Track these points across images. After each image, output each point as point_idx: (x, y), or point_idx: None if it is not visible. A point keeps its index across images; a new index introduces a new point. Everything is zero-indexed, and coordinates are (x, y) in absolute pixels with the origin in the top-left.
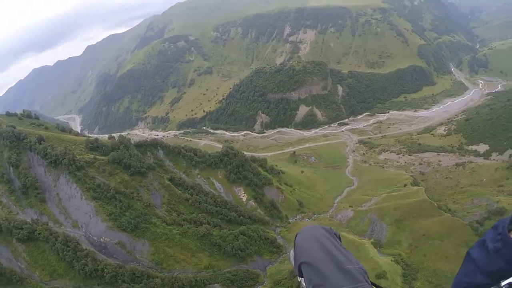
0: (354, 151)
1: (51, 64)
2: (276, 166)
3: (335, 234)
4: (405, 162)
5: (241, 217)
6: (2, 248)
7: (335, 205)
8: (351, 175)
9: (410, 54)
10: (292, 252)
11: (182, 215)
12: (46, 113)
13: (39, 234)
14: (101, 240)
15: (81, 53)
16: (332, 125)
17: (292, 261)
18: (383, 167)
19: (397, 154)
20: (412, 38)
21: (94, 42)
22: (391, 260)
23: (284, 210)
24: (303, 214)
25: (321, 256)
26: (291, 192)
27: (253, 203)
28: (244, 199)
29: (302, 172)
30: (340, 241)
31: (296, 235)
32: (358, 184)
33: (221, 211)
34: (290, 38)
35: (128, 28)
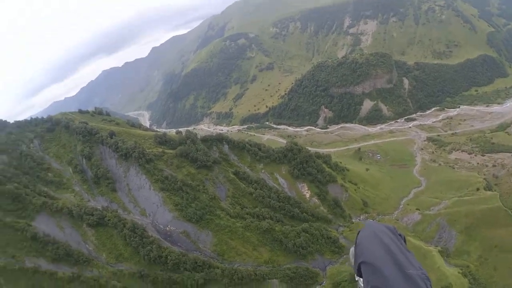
0: (422, 149)
1: (120, 65)
2: (341, 163)
3: (399, 235)
4: (478, 163)
5: (304, 213)
6: (73, 231)
7: (401, 206)
8: (419, 175)
9: (479, 42)
10: (352, 249)
11: (246, 208)
12: (117, 110)
13: (108, 220)
14: (167, 228)
15: (146, 54)
16: (398, 120)
17: (352, 260)
18: (454, 168)
19: (469, 154)
20: (479, 25)
21: (158, 44)
22: (458, 272)
23: (348, 209)
24: (367, 214)
25: (383, 257)
26: (355, 190)
27: (316, 200)
28: (308, 195)
29: (367, 170)
30: (405, 242)
31: (358, 232)
32: (426, 185)
33: (284, 207)
34: (351, 30)
35: (189, 29)
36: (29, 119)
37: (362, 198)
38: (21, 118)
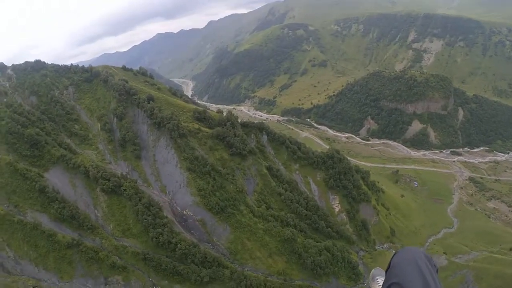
0: (462, 188)
1: (175, 31)
2: (378, 182)
3: (434, 265)
4: None
5: (328, 228)
6: (85, 192)
7: (427, 244)
8: (452, 215)
9: None
10: (374, 271)
11: (271, 209)
12: (163, 73)
13: (124, 190)
14: (184, 212)
15: (203, 26)
16: (444, 151)
17: (371, 282)
18: (490, 217)
19: (509, 206)
20: None
21: (216, 19)
22: None
23: (374, 233)
24: (391, 244)
25: (416, 282)
26: (386, 216)
27: (345, 217)
28: (337, 209)
29: (402, 196)
30: (437, 274)
31: (394, 254)
32: (458, 228)
33: (311, 216)
34: (414, 45)
35: (249, 10)
36: (70, 64)
37: (391, 225)
38: (70, 62)
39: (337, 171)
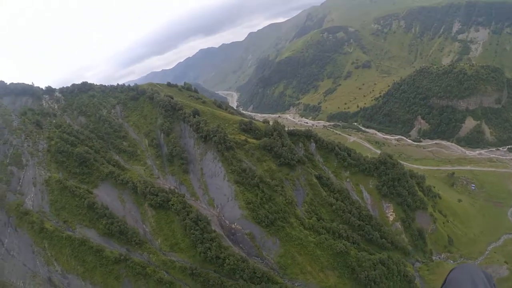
0: None
1: (216, 46)
2: (434, 187)
3: (494, 284)
4: None
5: (383, 239)
6: (133, 208)
7: (486, 252)
8: None
9: None
10: None
11: (322, 221)
12: (208, 87)
13: (172, 204)
14: (233, 226)
15: (243, 38)
16: (501, 148)
17: None
18: None
19: None
20: None
21: (255, 30)
22: None
23: (431, 243)
24: (449, 254)
25: None
26: (443, 223)
27: (399, 226)
28: (391, 218)
29: (459, 201)
30: None
31: (450, 271)
32: None
33: (364, 227)
34: (459, 36)
35: (287, 18)
36: (116, 84)
37: (449, 234)
38: (121, 82)
39: (390, 178)
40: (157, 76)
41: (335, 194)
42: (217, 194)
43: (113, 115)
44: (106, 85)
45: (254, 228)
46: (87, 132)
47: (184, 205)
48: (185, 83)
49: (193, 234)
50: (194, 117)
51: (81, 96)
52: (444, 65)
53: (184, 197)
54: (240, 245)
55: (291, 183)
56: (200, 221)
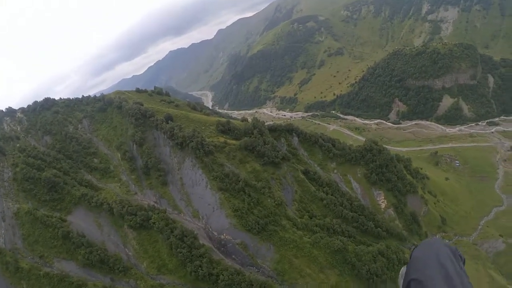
0: (505, 160)
1: (186, 46)
2: (421, 169)
3: (459, 256)
4: None
5: (378, 228)
6: (112, 231)
7: (479, 227)
8: (501, 192)
9: None
10: (403, 268)
11: (315, 218)
12: (181, 89)
13: (153, 223)
14: (222, 237)
15: (212, 36)
16: (479, 123)
17: (401, 280)
18: None
19: None
20: None
21: (224, 27)
22: None
23: (425, 225)
24: (443, 234)
25: (436, 278)
26: (434, 204)
27: (392, 212)
28: (383, 206)
29: (446, 179)
30: (463, 265)
31: (414, 247)
32: (509, 205)
33: (357, 218)
34: (429, 17)
35: (256, 12)
36: (81, 97)
37: (441, 214)
38: (93, 92)
39: (378, 164)
40: (128, 83)
41: (324, 188)
42: (201, 205)
43: (81, 130)
44: (71, 98)
45: (245, 236)
46: (54, 153)
47: (166, 221)
48: (155, 88)
49: (180, 253)
50: (168, 123)
51: (44, 114)
52: (416, 46)
53: (165, 212)
54: (233, 256)
55: (278, 182)
56: (186, 236)
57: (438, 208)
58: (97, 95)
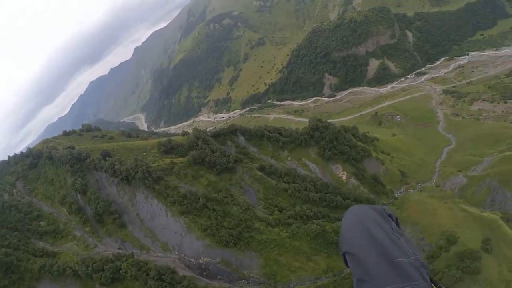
0: (441, 103)
1: (106, 73)
2: (368, 133)
3: (389, 215)
4: (502, 112)
5: (346, 200)
6: None
7: (437, 169)
8: (445, 132)
9: None
10: None
11: (285, 210)
12: (111, 118)
13: (125, 272)
14: (200, 261)
15: (130, 56)
16: (409, 76)
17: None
18: (479, 120)
19: (491, 102)
20: None
21: (140, 43)
22: None
23: (387, 183)
24: (406, 186)
25: (366, 246)
26: (390, 161)
27: (355, 181)
28: (344, 177)
29: (393, 135)
30: (397, 224)
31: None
32: (456, 142)
33: (325, 197)
34: None
35: (169, 21)
36: (7, 157)
37: (399, 168)
38: (20, 149)
39: (328, 140)
40: (55, 128)
41: (284, 178)
42: (167, 235)
43: (17, 195)
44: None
45: (223, 252)
46: None
47: (138, 266)
48: (83, 125)
49: None
50: (106, 160)
51: None
52: (333, 20)
53: (133, 256)
54: (218, 276)
55: (238, 187)
56: (164, 274)
57: (394, 164)
58: (24, 151)
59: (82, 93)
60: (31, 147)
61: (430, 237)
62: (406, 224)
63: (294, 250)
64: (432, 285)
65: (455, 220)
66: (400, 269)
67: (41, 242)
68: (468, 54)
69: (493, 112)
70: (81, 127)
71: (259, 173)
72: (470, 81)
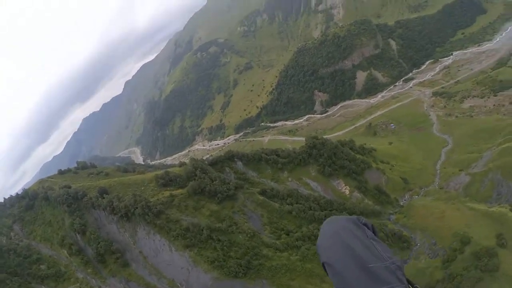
0: (433, 106)
1: (98, 109)
2: (365, 144)
3: (365, 224)
4: (494, 105)
5: (353, 214)
6: None
7: (438, 171)
8: (441, 134)
9: None
10: None
11: (291, 233)
12: (107, 154)
13: None
14: None
15: (121, 90)
16: (397, 84)
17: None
18: (472, 116)
19: (481, 97)
20: None
21: (130, 77)
22: None
23: (391, 192)
24: (410, 192)
25: (342, 256)
26: (390, 170)
27: (358, 194)
28: (347, 192)
29: (390, 143)
30: (374, 232)
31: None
32: (453, 142)
33: (330, 215)
34: (319, 7)
35: (156, 53)
36: (3, 199)
37: (400, 176)
38: (16, 190)
39: (326, 157)
40: (51, 167)
41: (286, 200)
42: (173, 271)
43: (15, 238)
44: None
45: (233, 283)
46: None
47: None
48: (77, 162)
49: None
50: (103, 197)
51: None
52: (317, 38)
53: None
54: None
55: (241, 214)
56: None
57: (395, 172)
58: (18, 193)
59: (76, 130)
60: (27, 187)
61: (442, 240)
62: (416, 230)
63: (306, 273)
64: (409, 286)
65: (465, 219)
66: (374, 274)
67: (42, 287)
68: (452, 54)
69: (485, 107)
70: (76, 165)
71: (261, 197)
72: (458, 80)
